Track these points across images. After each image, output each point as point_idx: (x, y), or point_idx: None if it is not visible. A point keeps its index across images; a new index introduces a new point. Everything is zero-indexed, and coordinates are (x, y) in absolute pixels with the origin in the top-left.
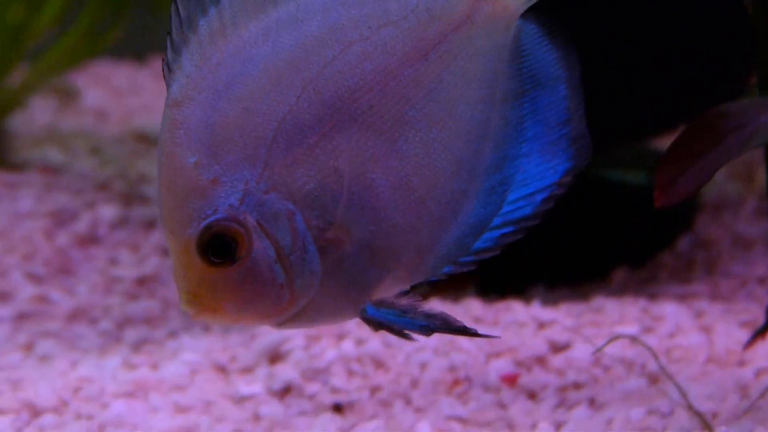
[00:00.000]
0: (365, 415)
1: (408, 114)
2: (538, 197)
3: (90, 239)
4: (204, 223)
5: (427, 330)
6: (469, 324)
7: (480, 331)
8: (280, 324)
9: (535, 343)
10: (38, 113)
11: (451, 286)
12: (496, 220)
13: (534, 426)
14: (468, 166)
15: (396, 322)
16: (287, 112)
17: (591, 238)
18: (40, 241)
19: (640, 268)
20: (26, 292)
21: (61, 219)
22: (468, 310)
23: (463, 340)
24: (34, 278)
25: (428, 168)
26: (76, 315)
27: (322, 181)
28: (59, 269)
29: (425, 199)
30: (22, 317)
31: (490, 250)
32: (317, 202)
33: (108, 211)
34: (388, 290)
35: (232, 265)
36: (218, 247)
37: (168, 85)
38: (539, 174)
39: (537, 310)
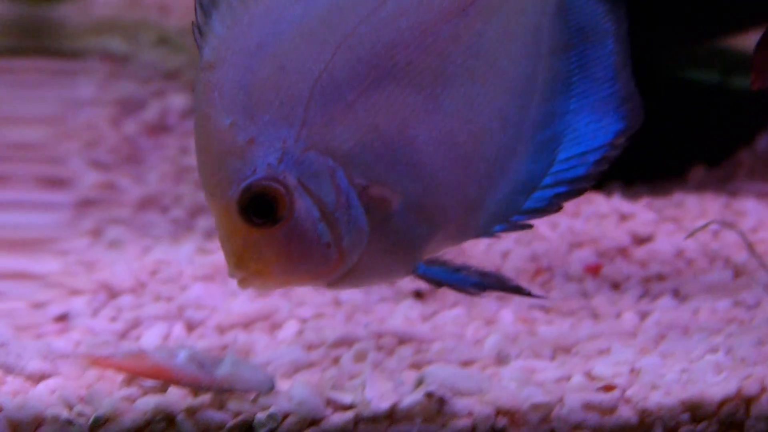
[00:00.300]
0: (447, 303)
1: (448, 70)
2: (591, 158)
3: (159, 128)
4: (244, 184)
5: (481, 287)
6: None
7: (533, 291)
8: (332, 284)
9: (618, 235)
10: (98, 8)
11: None
12: (548, 179)
13: (618, 315)
14: (514, 122)
15: (449, 279)
16: (323, 69)
17: (668, 136)
18: (105, 128)
19: (718, 167)
20: (90, 179)
21: (127, 107)
22: None
23: (545, 230)
24: (99, 166)
25: (472, 124)
26: (145, 203)
27: (362, 138)
28: (126, 157)
29: (471, 156)
30: (86, 204)
31: (542, 211)
32: (359, 159)
33: (178, 100)
34: (440, 248)
35: (274, 225)
36: (259, 207)
37: (200, 48)
38: (591, 133)
39: (618, 202)
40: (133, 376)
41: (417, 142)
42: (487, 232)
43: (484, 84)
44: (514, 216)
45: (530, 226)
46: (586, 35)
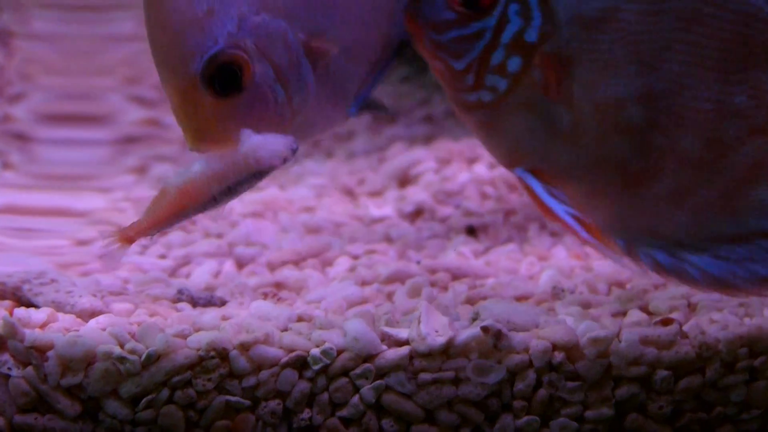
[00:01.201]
0: (499, 239)
1: None
2: None
3: None
4: (207, 55)
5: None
6: None
7: None
8: None
9: None
10: None
11: None
12: None
13: None
14: None
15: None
16: None
17: None
18: (148, 64)
19: None
20: (132, 115)
21: None
22: None
23: None
24: (143, 102)
25: None
26: None
27: None
28: None
29: None
30: (129, 140)
31: None
32: (301, 14)
33: None
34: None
35: (239, 93)
36: (225, 77)
37: None
38: None
39: None
40: None
41: None
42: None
43: None
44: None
45: None
46: None
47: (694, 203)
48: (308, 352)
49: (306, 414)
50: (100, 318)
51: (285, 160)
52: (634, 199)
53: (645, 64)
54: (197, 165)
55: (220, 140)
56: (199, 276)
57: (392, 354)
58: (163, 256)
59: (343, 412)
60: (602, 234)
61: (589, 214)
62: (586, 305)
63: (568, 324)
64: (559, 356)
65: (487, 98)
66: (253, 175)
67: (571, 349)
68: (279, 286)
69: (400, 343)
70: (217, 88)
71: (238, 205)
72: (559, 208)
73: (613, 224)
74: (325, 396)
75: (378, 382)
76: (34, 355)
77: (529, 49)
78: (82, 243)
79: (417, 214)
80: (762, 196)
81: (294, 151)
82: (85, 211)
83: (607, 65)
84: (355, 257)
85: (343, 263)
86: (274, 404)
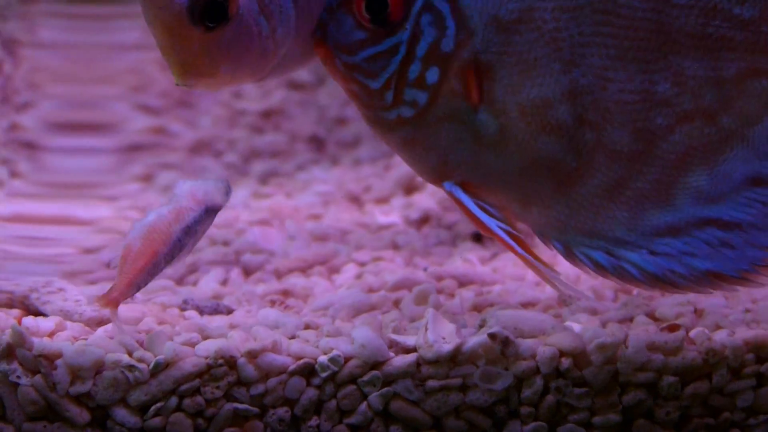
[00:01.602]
0: None
1: None
2: None
3: None
4: None
5: None
6: None
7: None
8: (264, 77)
9: None
10: None
11: None
12: None
13: None
14: None
15: None
16: None
17: None
18: (154, 72)
19: None
20: (138, 123)
21: None
22: None
23: None
24: (148, 110)
25: None
26: (198, 147)
27: None
28: (178, 102)
29: None
30: (135, 149)
31: None
32: None
33: None
34: None
35: (226, 25)
36: (213, 9)
37: None
38: None
39: None
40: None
41: None
42: None
43: None
44: None
45: None
46: None
47: (628, 197)
48: (316, 359)
49: (314, 421)
50: (109, 326)
51: (228, 195)
52: (568, 200)
53: (566, 62)
54: (150, 215)
55: (208, 73)
56: (206, 284)
57: (400, 361)
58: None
59: (351, 420)
60: (531, 248)
61: (525, 219)
62: (592, 312)
63: (576, 330)
64: (566, 362)
65: (408, 114)
66: (206, 212)
67: (579, 356)
68: (286, 293)
69: (408, 350)
70: (206, 21)
71: (244, 212)
72: (491, 223)
73: (550, 227)
74: (333, 403)
75: (386, 389)
76: (43, 363)
77: (447, 58)
78: (89, 251)
79: (423, 221)
80: (695, 182)
81: (229, 191)
82: (92, 219)
83: (529, 66)
84: (362, 264)
85: (350, 270)
86: (282, 411)
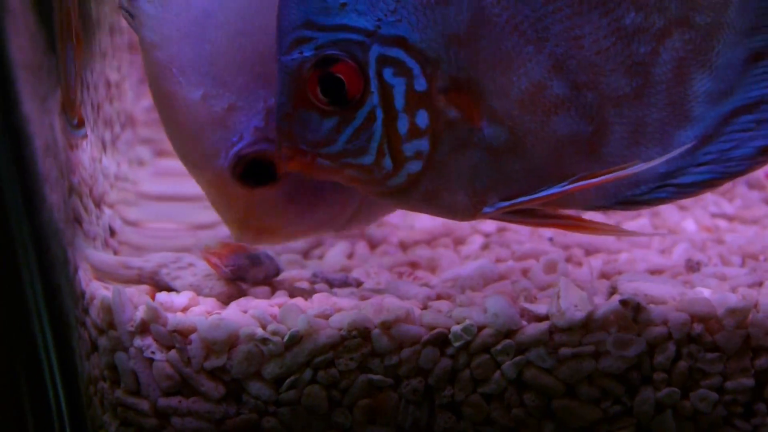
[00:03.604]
0: (629, 214)
1: None
2: None
3: None
4: (233, 151)
5: None
6: None
7: None
8: (345, 227)
9: None
10: None
11: None
12: None
13: None
14: None
15: None
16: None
17: None
18: None
19: None
20: None
21: None
22: None
23: None
24: None
25: None
26: None
27: None
28: None
29: None
30: None
31: None
32: None
33: None
34: None
35: (275, 184)
36: (257, 171)
37: (136, 31)
38: None
39: None
40: None
41: None
42: None
43: None
44: None
45: None
46: None
47: (652, 132)
48: (449, 329)
49: (448, 391)
50: (241, 300)
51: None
52: (601, 163)
53: (535, 41)
54: None
55: (267, 230)
56: (333, 257)
57: (533, 329)
58: None
59: (485, 389)
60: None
61: (568, 203)
62: (721, 277)
63: (706, 296)
64: (698, 328)
65: (417, 167)
66: None
67: (710, 321)
68: (413, 265)
69: (540, 318)
70: (251, 182)
71: None
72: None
73: (599, 197)
74: (467, 373)
75: (519, 357)
76: (178, 338)
77: (427, 96)
78: (199, 227)
79: None
80: (702, 87)
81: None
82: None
83: (505, 62)
84: (487, 235)
85: (475, 241)
86: (416, 382)
